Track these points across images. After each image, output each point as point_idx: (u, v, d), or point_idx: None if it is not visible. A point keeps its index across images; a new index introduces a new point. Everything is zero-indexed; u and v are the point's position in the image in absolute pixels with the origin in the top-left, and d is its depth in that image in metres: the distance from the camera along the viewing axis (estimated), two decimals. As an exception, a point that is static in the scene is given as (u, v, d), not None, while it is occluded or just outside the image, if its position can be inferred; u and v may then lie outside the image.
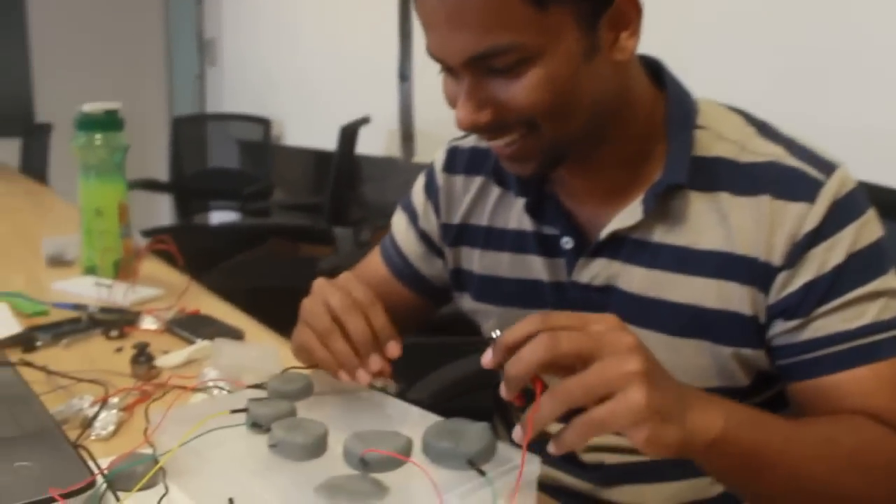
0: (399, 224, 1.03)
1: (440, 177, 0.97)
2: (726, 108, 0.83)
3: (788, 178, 0.76)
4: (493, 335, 0.63)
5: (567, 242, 0.85)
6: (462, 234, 0.95)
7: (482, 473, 0.61)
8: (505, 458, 0.65)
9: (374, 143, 3.22)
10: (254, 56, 4.40)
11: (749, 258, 0.76)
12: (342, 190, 3.02)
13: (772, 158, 0.77)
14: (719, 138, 0.79)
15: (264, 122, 3.87)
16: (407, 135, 3.08)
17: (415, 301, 1.02)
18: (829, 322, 0.75)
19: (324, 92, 3.71)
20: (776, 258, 0.75)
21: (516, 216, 0.90)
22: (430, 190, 0.98)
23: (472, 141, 0.97)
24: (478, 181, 0.93)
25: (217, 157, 4.13)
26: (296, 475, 0.62)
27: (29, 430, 0.74)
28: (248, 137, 3.96)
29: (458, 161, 0.96)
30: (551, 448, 0.60)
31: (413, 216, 1.00)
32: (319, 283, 0.78)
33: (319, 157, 3.60)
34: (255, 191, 3.60)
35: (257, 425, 0.68)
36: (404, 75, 3.06)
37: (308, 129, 3.89)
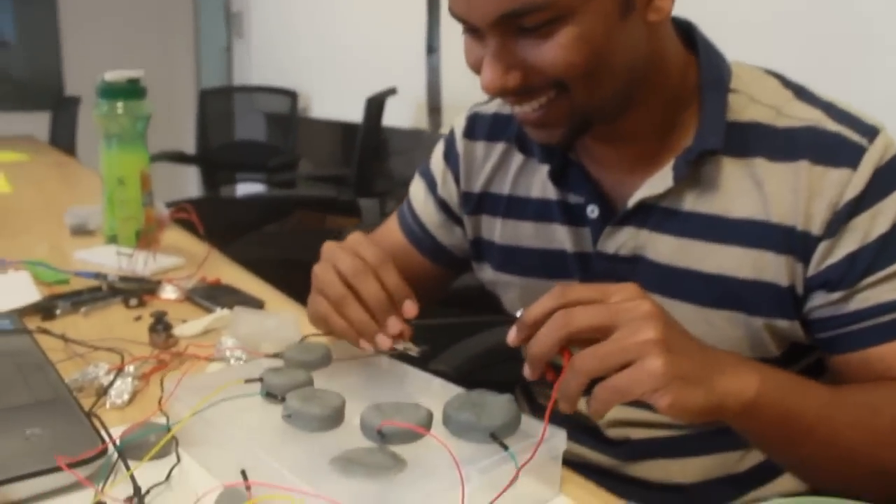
0: (417, 192, 1.00)
1: (460, 143, 0.94)
2: (761, 71, 0.79)
3: (828, 144, 0.72)
4: (518, 314, 0.62)
5: (592, 211, 0.81)
6: (482, 203, 0.92)
7: (505, 447, 0.58)
8: (529, 432, 0.62)
9: (401, 114, 3.19)
10: (281, 28, 4.37)
11: (786, 227, 0.72)
12: (368, 162, 2.99)
13: (810, 123, 0.73)
14: (754, 102, 0.75)
15: (291, 95, 3.85)
16: (434, 107, 3.04)
17: (432, 270, 0.99)
18: (875, 293, 0.71)
19: (351, 64, 3.68)
20: (816, 227, 0.71)
21: (539, 184, 0.87)
22: (450, 157, 0.95)
23: (494, 107, 0.94)
24: (499, 148, 0.90)
25: (244, 130, 4.13)
26: (311, 447, 0.60)
27: (43, 397, 0.73)
28: (275, 110, 3.95)
29: (479, 127, 0.93)
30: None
31: (432, 184, 0.97)
32: (328, 247, 0.75)
33: (346, 129, 3.57)
34: (281, 163, 3.59)
35: (272, 395, 0.66)
36: (432, 47, 3.02)
37: (335, 101, 3.86)
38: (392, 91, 3.07)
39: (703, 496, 0.87)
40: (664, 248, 0.77)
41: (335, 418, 0.62)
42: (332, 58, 3.84)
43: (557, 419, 0.93)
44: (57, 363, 0.82)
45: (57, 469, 0.59)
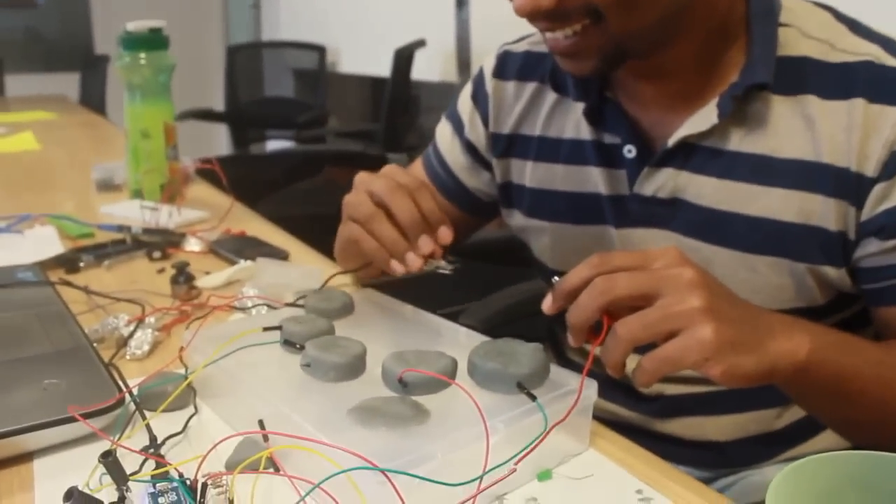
0: (444, 134, 0.96)
1: (490, 83, 0.89)
2: (813, 4, 0.74)
3: (887, 80, 0.67)
4: (553, 280, 0.59)
5: (630, 151, 0.77)
6: (512, 145, 0.88)
7: (532, 398, 0.56)
8: (558, 383, 0.60)
9: (430, 68, 3.13)
10: (308, -18, 4.31)
11: (838, 168, 0.67)
12: (397, 116, 2.95)
13: (867, 58, 0.68)
14: (805, 36, 0.70)
15: (319, 50, 3.81)
16: (463, 59, 2.98)
17: (457, 215, 0.95)
18: None
19: (379, 17, 3.62)
20: (871, 169, 0.67)
21: (573, 124, 0.82)
22: (478, 98, 0.91)
23: (525, 45, 0.89)
24: (531, 87, 0.86)
25: (272, 86, 4.10)
26: (330, 397, 0.58)
27: (62, 348, 0.72)
28: (304, 65, 3.91)
29: (509, 66, 0.88)
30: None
31: (459, 126, 0.93)
32: (360, 176, 0.73)
33: (375, 83, 3.53)
34: (310, 119, 3.56)
35: (290, 343, 0.63)
36: (462, 0, 2.95)
37: (364, 55, 3.81)
38: (421, 43, 3.01)
39: (737, 454, 0.84)
40: (706, 190, 0.73)
41: (356, 367, 0.60)
42: (360, 11, 3.78)
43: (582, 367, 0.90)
44: (78, 315, 0.81)
45: (72, 419, 0.57)
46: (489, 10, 2.87)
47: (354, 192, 0.73)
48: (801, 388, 0.62)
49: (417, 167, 0.99)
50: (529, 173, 0.86)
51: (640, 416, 0.86)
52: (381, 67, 3.16)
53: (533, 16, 0.67)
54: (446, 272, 0.69)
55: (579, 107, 0.81)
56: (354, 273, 0.86)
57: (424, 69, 3.11)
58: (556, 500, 0.54)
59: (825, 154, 0.68)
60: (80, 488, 0.48)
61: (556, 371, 0.61)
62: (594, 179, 0.81)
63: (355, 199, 0.72)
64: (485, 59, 0.93)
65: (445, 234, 0.70)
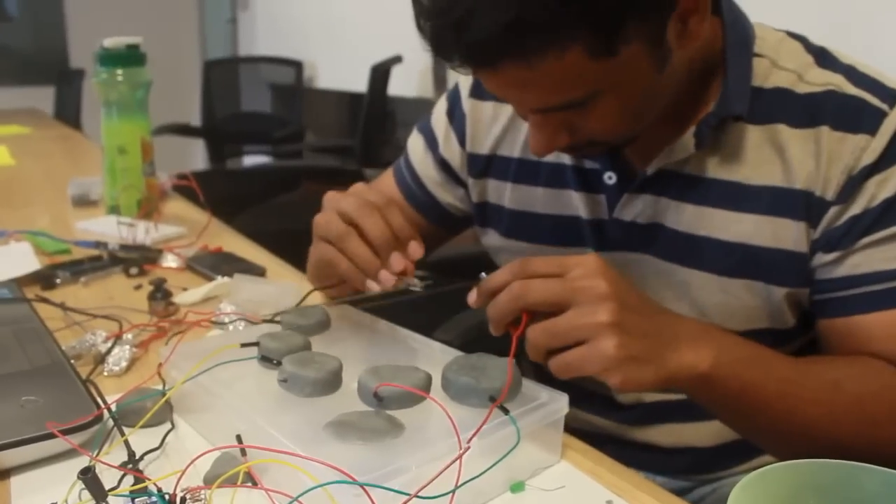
0: (416, 148, 0.96)
1: (466, 103, 0.90)
2: (784, 34, 0.76)
3: (848, 108, 0.70)
4: (481, 276, 0.63)
5: (610, 178, 0.79)
6: (490, 166, 0.89)
7: (505, 411, 0.57)
8: (530, 396, 0.61)
9: (407, 84, 3.15)
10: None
11: (806, 192, 0.70)
12: (373, 131, 2.96)
13: (830, 87, 0.71)
14: (777, 67, 0.73)
15: (296, 65, 3.81)
16: (440, 75, 3.00)
17: (427, 228, 0.96)
18: (868, 259, 0.69)
19: (355, 33, 3.64)
20: (830, 193, 0.70)
21: None
22: (454, 116, 0.92)
23: None
24: (509, 108, 0.87)
25: (249, 101, 4.10)
26: (306, 411, 0.59)
27: (39, 364, 0.72)
28: (280, 80, 3.91)
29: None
30: None
31: (432, 141, 0.94)
32: (329, 196, 0.74)
33: (351, 98, 3.54)
34: (287, 134, 3.56)
35: (268, 359, 0.64)
36: (437, 14, 2.97)
37: (340, 71, 3.82)
38: (397, 59, 3.03)
39: (715, 460, 0.86)
40: (683, 216, 0.76)
41: (332, 382, 0.61)
42: (336, 27, 3.80)
43: (563, 385, 0.91)
44: (55, 332, 0.82)
45: (50, 436, 0.58)
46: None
47: (324, 212, 0.73)
48: (705, 398, 0.65)
49: (388, 178, 0.99)
50: (508, 195, 0.87)
51: (616, 424, 0.88)
52: (358, 83, 3.17)
53: (549, 152, 0.71)
54: (418, 289, 0.71)
55: None
56: (327, 291, 0.86)
57: (401, 85, 3.13)
58: (528, 512, 0.56)
59: (796, 180, 0.71)
60: (58, 504, 0.49)
61: (529, 385, 0.62)
62: (574, 203, 0.82)
63: (325, 218, 0.72)
64: (461, 76, 0.94)
65: (416, 250, 0.71)
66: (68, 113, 3.99)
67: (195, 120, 4.09)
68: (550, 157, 0.84)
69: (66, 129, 3.12)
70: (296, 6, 4.20)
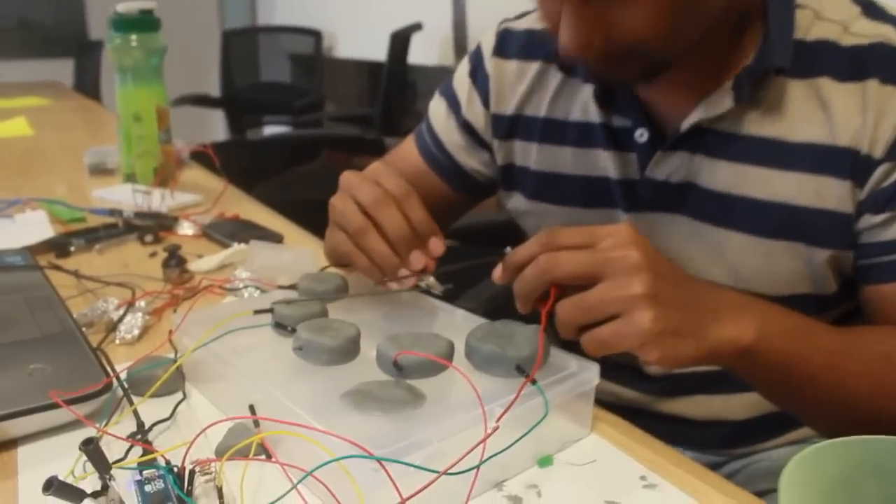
0: (438, 112, 0.92)
1: (489, 62, 0.86)
2: None
3: None
4: (506, 251, 0.59)
5: (641, 135, 0.75)
6: (515, 127, 0.85)
7: (532, 381, 0.54)
8: (559, 365, 0.58)
9: (427, 52, 3.10)
10: (304, -34, 4.27)
11: (851, 150, 0.66)
12: (393, 100, 2.92)
13: (879, 39, 0.66)
14: (820, 18, 0.68)
15: (315, 34, 3.77)
16: (460, 43, 2.95)
17: (450, 195, 0.93)
18: None
19: (375, 1, 3.58)
20: (878, 150, 0.65)
21: (580, 106, 0.80)
22: (477, 77, 0.88)
23: (526, 22, 0.86)
24: (535, 67, 0.83)
25: (269, 71, 4.07)
26: (323, 380, 0.56)
27: (49, 332, 0.70)
28: (300, 50, 3.87)
29: (510, 44, 0.86)
30: None
31: (455, 105, 0.90)
32: (346, 177, 0.69)
33: (371, 67, 3.50)
34: (307, 104, 3.53)
35: (282, 326, 0.61)
36: (458, -19, 2.91)
37: (360, 40, 3.78)
38: (417, 27, 2.98)
39: (745, 433, 0.83)
40: (719, 175, 0.72)
41: (349, 350, 0.58)
42: (356, -5, 3.74)
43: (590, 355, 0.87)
44: (67, 299, 0.80)
45: (57, 405, 0.55)
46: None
47: (341, 196, 0.69)
48: (747, 372, 0.61)
49: (409, 145, 0.96)
50: (535, 155, 0.84)
51: (644, 396, 0.85)
52: (378, 51, 3.13)
53: (580, 58, 0.64)
54: (437, 293, 0.68)
55: (587, 88, 0.79)
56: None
57: (421, 53, 3.08)
58: (557, 487, 0.52)
59: (840, 136, 0.66)
60: (63, 476, 0.47)
61: (557, 353, 0.59)
62: (603, 163, 0.78)
63: (342, 206, 0.68)
64: (483, 36, 0.90)
65: (437, 246, 0.67)
66: (87, 84, 3.98)
67: (214, 91, 4.06)
68: (578, 116, 0.80)
69: (86, 100, 3.10)
70: (315, -26, 4.14)
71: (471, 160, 0.91)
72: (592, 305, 0.54)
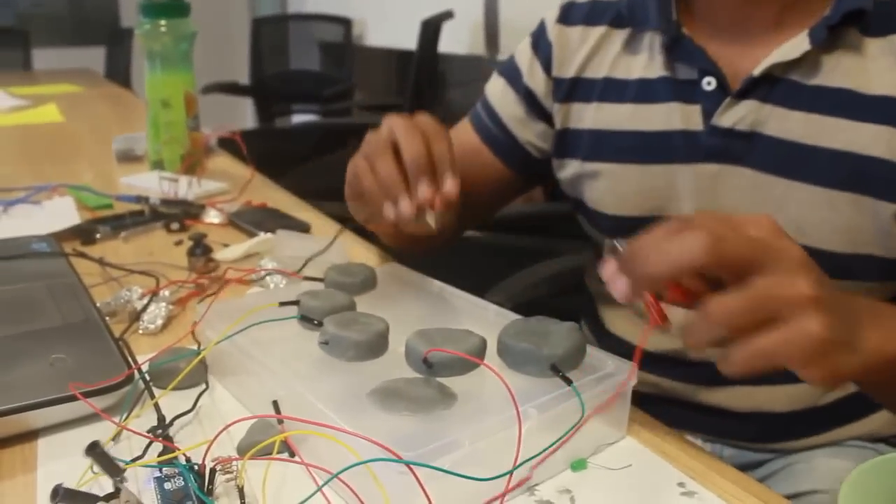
0: (495, 88, 0.92)
1: (553, 31, 0.87)
2: None
3: None
4: (616, 244, 0.51)
5: (709, 83, 0.74)
6: (574, 89, 0.85)
7: (568, 381, 0.51)
8: (595, 365, 0.55)
9: (458, 40, 3.07)
10: (334, -47, 4.25)
11: None
12: (423, 89, 2.90)
13: None
14: None
15: (345, 22, 3.75)
16: (491, 31, 2.91)
17: (504, 173, 0.92)
18: None
19: (406, -12, 3.56)
20: None
21: (641, 64, 0.80)
22: (539, 46, 0.88)
23: None
24: (599, 31, 0.84)
25: (298, 59, 4.06)
26: (349, 377, 0.54)
27: (72, 321, 0.69)
28: (329, 38, 3.86)
29: (575, 13, 0.87)
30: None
31: (515, 75, 0.90)
32: (389, 116, 0.67)
33: (401, 56, 3.47)
34: (336, 92, 3.51)
35: (308, 319, 0.59)
36: (490, -32, 2.87)
37: (390, 28, 3.75)
38: (448, 15, 2.94)
39: (785, 427, 0.81)
40: (789, 124, 0.70)
41: (377, 345, 0.56)
42: (386, -17, 3.72)
43: (621, 345, 0.85)
44: (92, 287, 0.78)
45: (76, 397, 0.54)
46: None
47: (376, 129, 0.68)
48: (886, 382, 0.55)
49: (465, 125, 0.95)
50: (591, 116, 0.83)
51: (684, 385, 0.82)
52: (408, 40, 3.10)
53: None
54: (430, 227, 0.63)
55: (648, 47, 0.79)
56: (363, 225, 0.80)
57: (451, 42, 3.05)
58: (590, 492, 0.50)
59: None
60: (82, 473, 0.45)
61: (593, 352, 0.56)
62: (663, 117, 0.77)
63: (372, 135, 0.67)
64: (546, 14, 0.90)
65: (450, 186, 0.63)
66: (119, 72, 4.00)
67: (243, 78, 4.07)
68: (638, 74, 0.80)
69: (116, 87, 3.12)
70: (345, -38, 4.12)
71: (527, 132, 0.90)
72: (758, 303, 0.45)
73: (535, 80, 0.88)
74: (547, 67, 0.87)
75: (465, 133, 0.94)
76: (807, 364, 0.45)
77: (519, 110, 0.90)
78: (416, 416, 0.48)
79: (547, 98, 0.88)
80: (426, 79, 2.97)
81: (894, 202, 0.68)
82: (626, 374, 0.54)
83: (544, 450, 0.46)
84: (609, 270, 0.49)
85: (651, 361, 0.82)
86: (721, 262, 0.45)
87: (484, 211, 0.98)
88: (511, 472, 0.44)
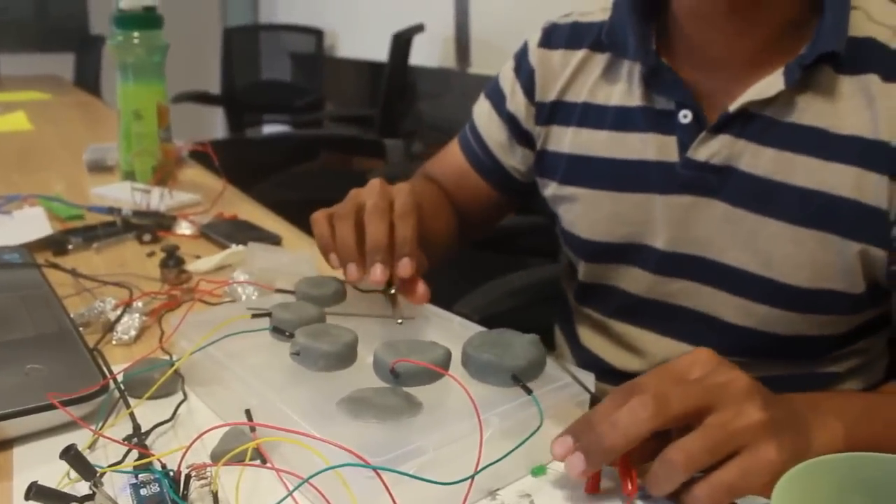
0: (482, 111, 0.96)
1: (534, 55, 0.90)
2: None
3: None
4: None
5: (685, 116, 0.77)
6: (555, 112, 0.88)
7: (528, 391, 0.54)
8: (555, 375, 0.58)
9: (428, 53, 3.10)
10: (307, -36, 4.27)
11: (893, 146, 0.68)
12: (394, 101, 2.92)
13: None
14: (871, 21, 0.72)
15: (317, 33, 3.77)
16: (462, 45, 2.95)
17: (491, 195, 0.96)
18: None
19: (378, 1, 3.58)
20: None
21: (620, 92, 0.82)
22: (521, 70, 0.91)
23: (572, 18, 0.90)
24: (579, 54, 0.86)
25: (269, 70, 4.06)
26: (319, 386, 0.56)
27: (46, 332, 0.70)
28: (301, 49, 3.87)
29: (557, 36, 0.89)
30: None
31: (499, 100, 0.93)
32: (374, 181, 0.71)
33: (372, 68, 3.50)
34: (307, 103, 3.53)
35: (280, 331, 0.61)
36: (461, -18, 2.91)
37: (361, 40, 3.78)
38: (419, 28, 2.98)
39: None
40: (761, 160, 0.74)
41: (346, 356, 0.58)
42: (359, -5, 3.75)
43: (592, 359, 0.88)
44: (65, 298, 0.80)
45: (53, 406, 0.55)
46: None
47: (354, 191, 0.72)
48: None
49: (453, 146, 0.99)
50: (569, 139, 0.86)
51: None
52: (379, 52, 3.13)
53: None
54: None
55: (627, 74, 0.81)
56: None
57: (422, 55, 3.08)
58: (550, 496, 0.53)
59: (884, 133, 0.69)
60: (58, 480, 0.47)
61: (552, 363, 0.59)
62: (640, 146, 0.80)
63: (347, 197, 0.71)
64: (529, 36, 0.93)
65: (405, 266, 0.67)
66: (88, 80, 3.98)
67: (214, 88, 4.06)
68: (617, 101, 0.82)
69: (86, 95, 3.10)
70: (317, -27, 4.14)
71: (510, 158, 0.93)
72: (718, 442, 0.46)
73: (518, 105, 0.91)
74: (529, 92, 0.89)
75: (453, 155, 0.98)
76: (767, 487, 0.45)
77: (503, 136, 0.93)
78: (384, 423, 0.50)
79: (528, 122, 0.90)
80: (397, 91, 3.00)
81: (859, 241, 0.71)
82: (585, 383, 0.57)
83: (504, 455, 0.49)
84: (561, 449, 0.50)
85: (610, 375, 0.85)
86: (669, 421, 0.47)
87: (476, 229, 1.02)
88: (472, 477, 0.46)
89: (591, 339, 0.92)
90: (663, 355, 0.83)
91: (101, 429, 0.56)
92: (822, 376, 0.82)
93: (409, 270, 0.67)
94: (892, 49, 0.70)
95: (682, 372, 0.50)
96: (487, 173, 0.95)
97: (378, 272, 0.66)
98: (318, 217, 0.71)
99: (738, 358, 0.80)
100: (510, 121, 0.92)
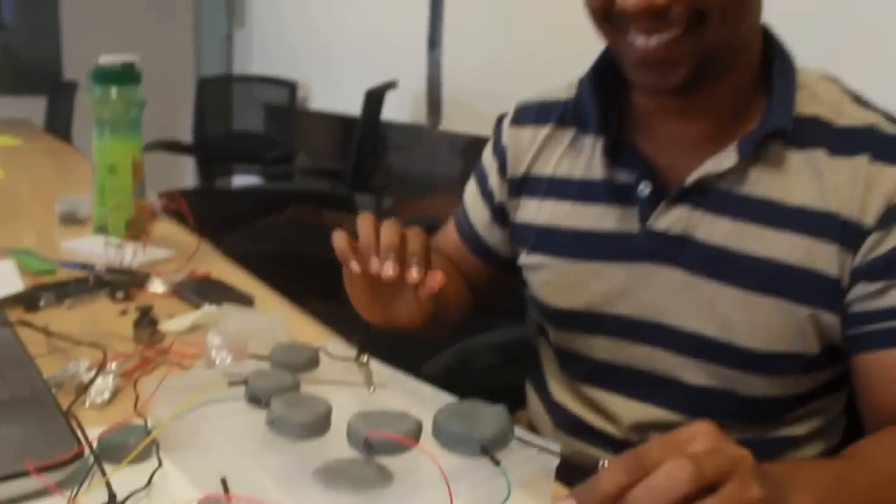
0: (469, 190, 1.01)
1: (507, 134, 0.94)
2: (821, 74, 0.81)
3: (888, 143, 0.74)
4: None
5: (644, 189, 0.81)
6: (524, 185, 0.92)
7: (496, 462, 0.56)
8: (521, 445, 0.60)
9: (400, 109, 3.16)
10: (282, 18, 4.34)
11: (841, 217, 0.73)
12: (366, 156, 2.96)
13: (870, 123, 0.75)
14: (816, 99, 0.77)
15: (290, 85, 3.82)
16: (434, 102, 3.01)
17: (482, 269, 1.00)
18: None
19: (351, 56, 3.65)
20: (869, 219, 0.72)
21: (583, 165, 0.87)
22: (497, 149, 0.96)
23: (540, 96, 0.94)
24: (546, 129, 0.91)
25: (242, 120, 4.10)
26: (294, 455, 0.58)
27: (19, 394, 0.70)
28: (274, 100, 3.91)
29: (526, 113, 0.94)
30: None
31: (482, 179, 0.98)
32: (388, 220, 0.75)
33: (345, 122, 3.55)
34: (279, 155, 3.56)
35: (256, 399, 0.63)
36: (434, 41, 2.99)
37: (334, 93, 3.83)
38: (392, 84, 3.04)
39: None
40: (717, 230, 0.78)
41: (321, 425, 0.59)
42: (332, 48, 3.81)
43: (566, 418, 0.90)
44: (37, 357, 0.80)
45: (26, 473, 0.56)
46: (461, 51, 2.92)
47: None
48: None
49: (450, 222, 1.04)
50: (536, 211, 0.90)
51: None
52: (352, 106, 3.18)
53: (642, 13, 0.70)
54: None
55: (591, 148, 0.85)
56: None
57: (394, 110, 3.13)
58: (517, 566, 0.54)
59: (831, 203, 0.73)
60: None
61: (520, 433, 0.61)
62: (601, 217, 0.84)
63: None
64: (505, 114, 0.97)
65: (415, 271, 0.71)
66: (59, 125, 3.96)
67: (186, 137, 4.08)
68: (580, 174, 0.86)
69: (57, 142, 3.09)
70: (293, 26, 4.21)
71: (492, 236, 0.98)
72: None
73: (495, 183, 0.96)
74: (502, 170, 0.94)
75: (450, 231, 1.03)
76: None
77: (486, 215, 0.97)
78: (357, 493, 0.52)
79: (503, 198, 0.95)
80: (368, 145, 3.04)
81: (810, 306, 0.75)
82: (550, 453, 0.59)
83: (473, 527, 0.51)
84: None
85: (585, 433, 0.87)
86: (702, 484, 0.46)
87: (481, 295, 1.04)
88: (443, 549, 0.48)
89: (563, 397, 0.95)
90: (633, 419, 0.86)
91: (74, 497, 0.56)
92: (783, 440, 0.85)
93: (418, 275, 0.71)
94: (837, 127, 0.75)
95: (685, 443, 0.51)
96: (478, 249, 0.99)
97: (390, 266, 0.70)
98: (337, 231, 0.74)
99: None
100: (490, 199, 0.97)
